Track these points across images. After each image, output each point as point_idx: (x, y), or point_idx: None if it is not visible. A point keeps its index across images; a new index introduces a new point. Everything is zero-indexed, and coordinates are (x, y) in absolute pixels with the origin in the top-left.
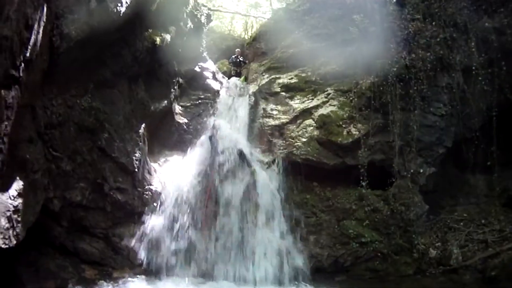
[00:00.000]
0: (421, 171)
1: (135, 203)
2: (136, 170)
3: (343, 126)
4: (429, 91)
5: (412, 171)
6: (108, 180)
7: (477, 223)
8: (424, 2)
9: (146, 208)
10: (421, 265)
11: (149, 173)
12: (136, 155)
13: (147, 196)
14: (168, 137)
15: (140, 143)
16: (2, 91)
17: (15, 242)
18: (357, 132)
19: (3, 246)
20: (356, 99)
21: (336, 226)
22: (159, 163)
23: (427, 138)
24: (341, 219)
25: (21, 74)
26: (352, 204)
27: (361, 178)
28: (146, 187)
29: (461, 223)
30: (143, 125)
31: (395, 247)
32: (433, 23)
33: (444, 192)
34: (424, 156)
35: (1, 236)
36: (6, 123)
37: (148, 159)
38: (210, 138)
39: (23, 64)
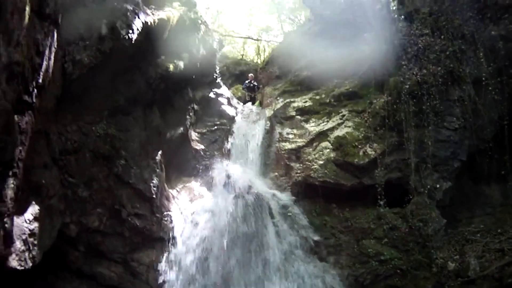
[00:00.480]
0: (438, 186)
1: (154, 228)
2: (154, 196)
3: (359, 146)
4: (441, 105)
5: (428, 187)
6: (126, 206)
7: (493, 233)
8: (431, 15)
9: (165, 233)
10: (440, 279)
11: (167, 199)
12: (154, 181)
13: (165, 222)
14: (185, 164)
15: (157, 170)
16: (16, 116)
17: (31, 264)
18: (373, 152)
19: (18, 267)
20: (370, 119)
21: (355, 246)
22: (177, 190)
23: (442, 153)
24: (360, 238)
25: (34, 100)
26: (370, 224)
27: (379, 197)
28: (164, 213)
29: (478, 235)
30: (159, 152)
31: (414, 263)
32: (442, 36)
33: (461, 205)
34: (440, 171)
35: (17, 258)
36: (20, 148)
37: (165, 185)
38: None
39: (35, 90)
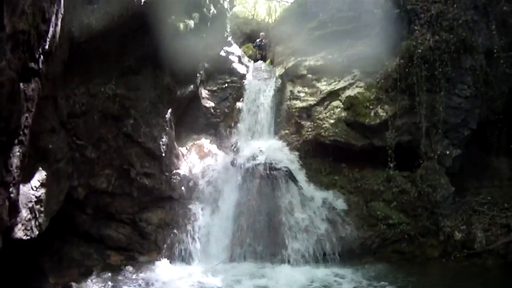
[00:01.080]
0: (448, 153)
1: (163, 187)
2: (163, 154)
3: (370, 107)
4: (453, 73)
5: (439, 152)
6: (135, 165)
7: (500, 207)
8: None
9: (174, 192)
10: (447, 248)
11: (177, 157)
12: (163, 140)
13: (174, 181)
14: (195, 121)
15: (167, 128)
16: (22, 84)
17: (37, 232)
18: (384, 114)
19: (24, 237)
20: (382, 81)
21: (364, 207)
22: (186, 147)
23: (453, 119)
24: (369, 200)
25: (40, 67)
26: (380, 186)
27: (389, 159)
28: (174, 171)
29: (485, 206)
30: (169, 110)
31: (421, 229)
32: (455, 5)
33: (469, 174)
34: (450, 138)
35: (23, 228)
36: (26, 115)
37: (175, 144)
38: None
39: (42, 57)
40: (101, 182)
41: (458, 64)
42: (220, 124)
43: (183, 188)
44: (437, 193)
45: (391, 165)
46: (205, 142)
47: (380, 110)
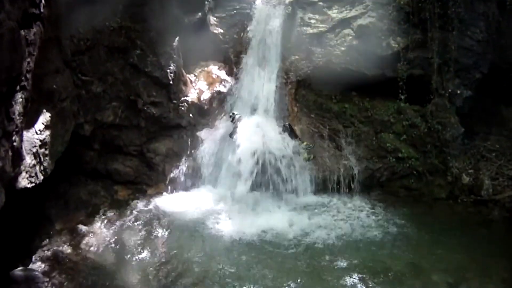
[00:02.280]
0: (458, 92)
1: (171, 115)
2: (171, 82)
3: (382, 38)
4: (466, 15)
5: (450, 90)
6: (142, 95)
7: (508, 157)
8: None
9: (182, 120)
10: (454, 190)
11: (185, 84)
12: (171, 68)
13: (183, 108)
14: (204, 49)
15: (175, 56)
16: (23, 31)
17: (42, 177)
18: (396, 45)
19: (29, 185)
20: (394, 13)
21: (374, 138)
22: (194, 74)
23: (465, 60)
24: (379, 131)
25: (42, 10)
26: (390, 117)
27: (400, 91)
28: (182, 98)
29: (493, 154)
30: (177, 39)
31: (430, 166)
32: None
33: (479, 119)
34: (462, 78)
35: (27, 176)
36: (28, 60)
37: (183, 71)
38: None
39: (43, 1)
40: (108, 116)
41: (471, 7)
42: (229, 50)
43: (191, 115)
44: (446, 132)
45: (402, 97)
46: (214, 68)
47: (392, 41)
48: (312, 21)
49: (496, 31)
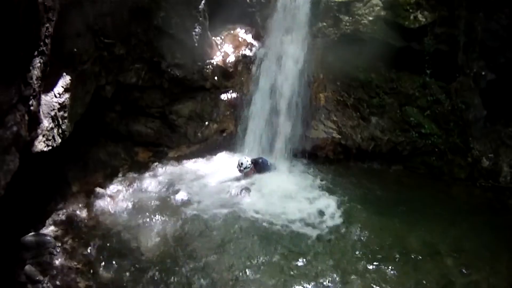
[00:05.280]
0: (483, 73)
1: (194, 77)
2: (196, 44)
3: (410, 11)
4: None
5: (475, 70)
6: (166, 57)
7: None
8: None
9: (205, 82)
10: (474, 172)
11: (210, 47)
12: (196, 30)
13: (207, 70)
14: (231, 11)
15: (200, 18)
16: None
17: (60, 140)
18: (424, 19)
19: (45, 149)
20: None
21: (398, 110)
22: (221, 37)
23: (490, 42)
24: (403, 104)
25: None
26: (415, 91)
27: (426, 65)
28: (207, 61)
29: None
30: (203, 1)
31: (452, 145)
32: None
33: (501, 103)
34: (486, 60)
35: (44, 139)
36: (47, 25)
37: (208, 33)
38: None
39: None
40: (131, 77)
41: None
42: (256, 13)
43: (215, 77)
44: (469, 112)
45: (428, 72)
46: (240, 32)
47: (420, 15)
48: None
49: None
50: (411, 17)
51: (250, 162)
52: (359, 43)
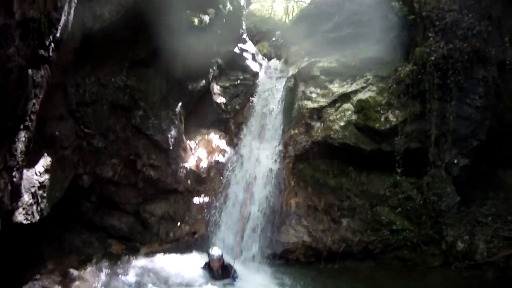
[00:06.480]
0: (455, 162)
1: (168, 180)
2: (171, 147)
3: (381, 112)
4: (465, 82)
5: (446, 161)
6: (142, 157)
7: (504, 219)
8: None
9: (179, 185)
10: (448, 258)
11: (184, 151)
12: (172, 133)
13: (181, 174)
14: (206, 116)
15: (176, 121)
16: (30, 70)
17: (38, 217)
18: (395, 119)
19: (24, 222)
20: (394, 86)
21: (369, 211)
22: (195, 141)
23: (463, 130)
24: (374, 204)
25: (50, 54)
26: (386, 191)
27: (397, 165)
28: (181, 164)
29: (489, 218)
30: (179, 104)
31: (424, 237)
32: (469, 15)
33: (476, 185)
34: (459, 147)
35: (24, 212)
36: (34, 101)
37: (183, 137)
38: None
39: (53, 44)
40: (107, 171)
41: (471, 74)
42: (230, 120)
43: (189, 181)
44: (442, 202)
45: (399, 170)
46: (214, 138)
47: (390, 115)
48: (313, 95)
49: (495, 95)
50: (382, 118)
51: (220, 254)
52: (330, 149)
